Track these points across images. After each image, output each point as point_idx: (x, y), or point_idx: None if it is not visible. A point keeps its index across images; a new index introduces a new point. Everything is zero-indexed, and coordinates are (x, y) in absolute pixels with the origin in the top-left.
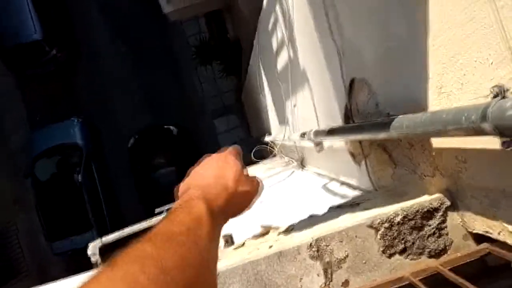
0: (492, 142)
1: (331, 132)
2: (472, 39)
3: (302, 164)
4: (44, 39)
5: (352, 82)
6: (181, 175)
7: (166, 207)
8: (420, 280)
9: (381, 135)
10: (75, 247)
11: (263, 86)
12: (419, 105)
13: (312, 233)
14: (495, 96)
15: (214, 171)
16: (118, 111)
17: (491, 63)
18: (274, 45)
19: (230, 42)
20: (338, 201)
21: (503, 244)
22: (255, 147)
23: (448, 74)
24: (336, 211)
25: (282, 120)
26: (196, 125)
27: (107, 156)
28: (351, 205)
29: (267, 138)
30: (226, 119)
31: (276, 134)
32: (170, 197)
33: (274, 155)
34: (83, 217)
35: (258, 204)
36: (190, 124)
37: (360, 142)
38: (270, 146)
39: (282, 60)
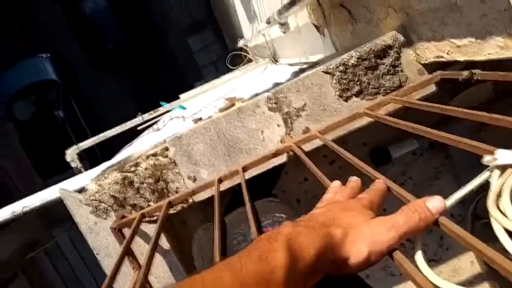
0: None
1: (292, 2)
2: None
3: (274, 58)
4: None
5: None
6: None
7: (145, 115)
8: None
9: None
10: None
11: None
12: None
13: (274, 90)
14: None
15: (330, 212)
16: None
17: None
18: None
19: None
20: None
21: (455, 67)
22: (227, 56)
23: None
24: (297, 73)
25: (251, 17)
26: (171, 48)
27: (83, 88)
28: (312, 66)
29: (240, 43)
30: (201, 36)
31: (247, 34)
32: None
33: (249, 60)
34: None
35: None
36: (165, 49)
37: (320, 5)
38: (244, 51)
39: None
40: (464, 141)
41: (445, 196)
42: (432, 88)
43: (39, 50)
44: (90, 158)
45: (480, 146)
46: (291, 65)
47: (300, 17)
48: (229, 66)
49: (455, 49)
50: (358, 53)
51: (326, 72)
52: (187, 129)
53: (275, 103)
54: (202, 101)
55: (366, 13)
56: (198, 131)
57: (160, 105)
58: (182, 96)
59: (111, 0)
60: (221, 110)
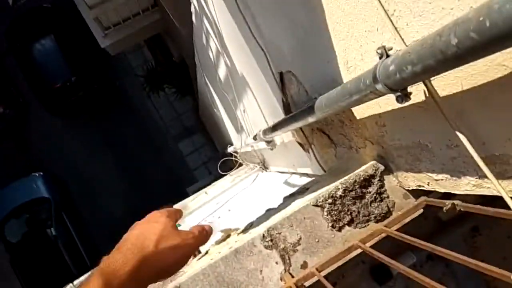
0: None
1: (275, 127)
2: (357, 11)
3: (264, 166)
4: None
5: (281, 76)
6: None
7: None
8: (370, 246)
9: (310, 119)
10: None
11: (214, 100)
12: (337, 83)
13: (265, 225)
14: (381, 57)
15: (136, 230)
16: (76, 159)
17: (377, 30)
18: (212, 58)
19: (176, 64)
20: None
21: (439, 194)
22: (219, 161)
23: (349, 49)
24: (289, 199)
25: (238, 128)
26: (162, 153)
27: (77, 204)
28: (301, 191)
29: (230, 149)
30: (191, 140)
31: (236, 143)
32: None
33: (240, 165)
34: (65, 269)
35: (226, 213)
36: (156, 153)
37: (302, 130)
38: (234, 157)
39: (222, 71)
40: (487, 268)
41: None
42: (420, 211)
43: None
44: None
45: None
46: (281, 172)
47: (285, 135)
48: (220, 172)
49: (433, 181)
50: (344, 186)
51: (316, 205)
52: (186, 277)
53: (270, 240)
54: (197, 217)
55: (345, 140)
56: (197, 278)
57: None
58: (177, 207)
59: (59, 41)
60: (218, 242)
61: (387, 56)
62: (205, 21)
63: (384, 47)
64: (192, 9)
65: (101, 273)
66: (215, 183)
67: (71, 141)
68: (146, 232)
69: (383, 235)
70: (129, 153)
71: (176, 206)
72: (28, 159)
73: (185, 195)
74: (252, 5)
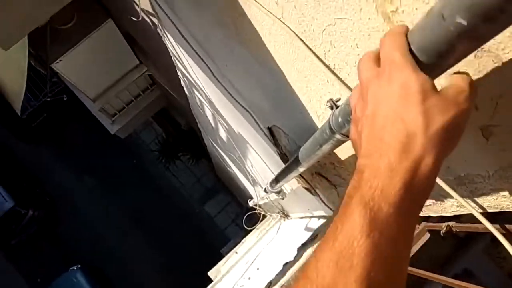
0: None
1: (277, 179)
2: (307, 69)
3: (284, 214)
4: (17, 204)
5: (270, 131)
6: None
7: None
8: None
9: (301, 168)
10: None
11: (224, 158)
12: (314, 131)
13: (280, 283)
14: (332, 109)
15: (384, 118)
16: (109, 244)
17: (327, 82)
18: (210, 122)
19: (186, 131)
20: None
21: (436, 218)
22: (244, 216)
23: (313, 101)
24: (301, 250)
25: (251, 182)
26: (190, 219)
27: None
28: (312, 239)
29: (250, 204)
30: (215, 200)
31: (254, 197)
32: None
33: (264, 216)
34: None
35: (255, 273)
36: (185, 221)
37: (303, 176)
38: (257, 210)
39: (222, 133)
40: None
41: None
42: (427, 236)
43: None
44: None
45: None
46: (301, 218)
47: (292, 183)
48: (246, 227)
49: (424, 208)
50: None
51: None
52: None
53: None
54: (229, 281)
55: (341, 180)
56: None
57: None
58: (211, 273)
59: None
60: None
61: (336, 107)
62: (195, 91)
63: (331, 99)
64: (182, 83)
65: (362, 199)
66: (244, 240)
67: (101, 228)
68: (402, 115)
69: None
70: (158, 225)
71: (210, 273)
72: (63, 253)
73: (221, 257)
74: (227, 74)
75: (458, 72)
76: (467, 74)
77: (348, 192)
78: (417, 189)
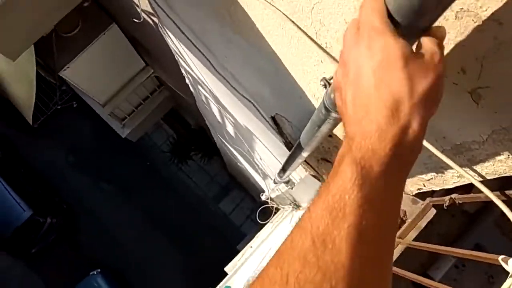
0: None
1: (284, 168)
2: (301, 51)
3: (296, 205)
4: (35, 213)
5: (274, 120)
6: None
7: None
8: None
9: (305, 154)
10: None
11: (234, 154)
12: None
13: None
14: (325, 87)
15: (368, 83)
16: (127, 246)
17: (322, 62)
18: (217, 118)
19: (196, 130)
20: None
21: (440, 192)
22: (257, 211)
23: (310, 83)
24: None
25: (262, 176)
26: (206, 217)
27: None
28: None
29: (263, 197)
30: (229, 197)
31: (266, 190)
32: None
33: (277, 209)
34: None
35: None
36: (201, 219)
37: (309, 163)
38: (270, 204)
39: (229, 128)
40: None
41: None
42: (433, 211)
43: None
44: None
45: None
46: None
47: (299, 171)
48: (260, 221)
49: (426, 182)
50: None
51: None
52: None
53: None
54: (243, 274)
55: None
56: None
57: None
58: (227, 269)
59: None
60: None
61: (330, 85)
62: (199, 88)
63: (325, 78)
64: (187, 81)
65: (353, 159)
66: (258, 233)
67: (119, 232)
68: (384, 81)
69: (400, 247)
70: (175, 225)
71: (227, 269)
72: (83, 259)
73: (237, 253)
74: (227, 65)
75: (427, 34)
76: (434, 33)
77: (339, 154)
78: (406, 150)
